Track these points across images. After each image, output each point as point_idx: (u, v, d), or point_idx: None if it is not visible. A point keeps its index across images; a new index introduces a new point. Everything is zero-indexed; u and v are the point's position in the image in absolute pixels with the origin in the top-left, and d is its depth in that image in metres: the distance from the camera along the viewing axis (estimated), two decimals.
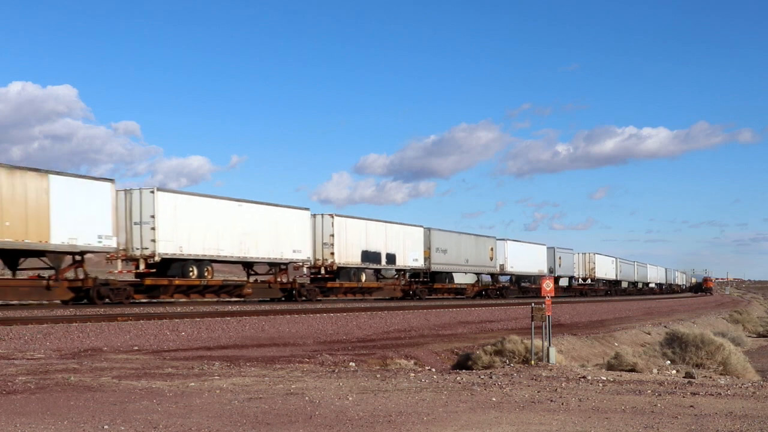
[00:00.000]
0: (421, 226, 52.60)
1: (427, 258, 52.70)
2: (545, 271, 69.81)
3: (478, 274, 61.43)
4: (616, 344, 24.67)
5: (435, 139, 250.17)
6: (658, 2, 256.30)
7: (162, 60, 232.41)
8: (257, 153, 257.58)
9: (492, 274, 62.81)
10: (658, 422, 8.11)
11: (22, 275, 29.66)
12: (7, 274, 29.45)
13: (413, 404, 9.15)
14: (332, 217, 43.60)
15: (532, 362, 14.94)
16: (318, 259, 42.97)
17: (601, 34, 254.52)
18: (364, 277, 46.57)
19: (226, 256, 36.08)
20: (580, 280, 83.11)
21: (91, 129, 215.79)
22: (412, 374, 12.54)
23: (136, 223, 32.53)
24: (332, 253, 43.11)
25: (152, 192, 32.72)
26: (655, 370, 15.74)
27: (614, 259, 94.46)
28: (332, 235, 43.22)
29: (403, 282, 51.50)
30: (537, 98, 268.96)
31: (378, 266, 48.10)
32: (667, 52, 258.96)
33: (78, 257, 29.90)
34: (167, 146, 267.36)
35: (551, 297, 16.26)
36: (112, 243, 30.54)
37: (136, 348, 16.26)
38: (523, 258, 67.04)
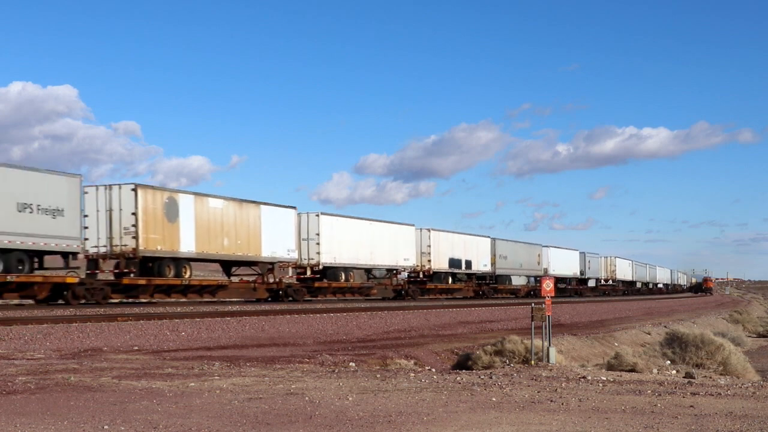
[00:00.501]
0: (488, 237, 63.42)
1: (493, 264, 63.33)
2: (578, 273, 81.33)
3: (528, 276, 71.06)
4: (616, 344, 24.68)
5: (435, 139, 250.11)
6: (658, 2, 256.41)
7: (162, 60, 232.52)
8: (257, 153, 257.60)
9: (538, 277, 70.25)
10: (658, 422, 8.11)
11: (234, 280, 39.02)
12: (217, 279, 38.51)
13: (413, 404, 9.16)
14: (429, 231, 54.92)
15: (532, 362, 14.94)
16: (417, 265, 53.74)
17: (601, 34, 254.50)
18: (451, 280, 58.59)
19: (362, 264, 47.47)
20: (602, 281, 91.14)
21: (91, 129, 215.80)
22: (412, 374, 12.55)
23: (304, 239, 42.73)
24: (429, 261, 54.79)
25: (317, 215, 43.27)
26: (655, 370, 15.75)
27: (631, 262, 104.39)
28: (429, 246, 54.62)
29: (473, 284, 61.12)
30: (537, 98, 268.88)
31: (459, 271, 58.65)
32: (667, 52, 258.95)
33: (270, 266, 40.00)
34: (167, 146, 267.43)
35: (551, 297, 16.27)
36: (295, 255, 41.49)
37: (136, 348, 16.26)
38: (562, 262, 77.18)
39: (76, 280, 29.52)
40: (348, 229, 45.88)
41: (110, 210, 31.94)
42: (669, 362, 17.55)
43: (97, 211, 31.80)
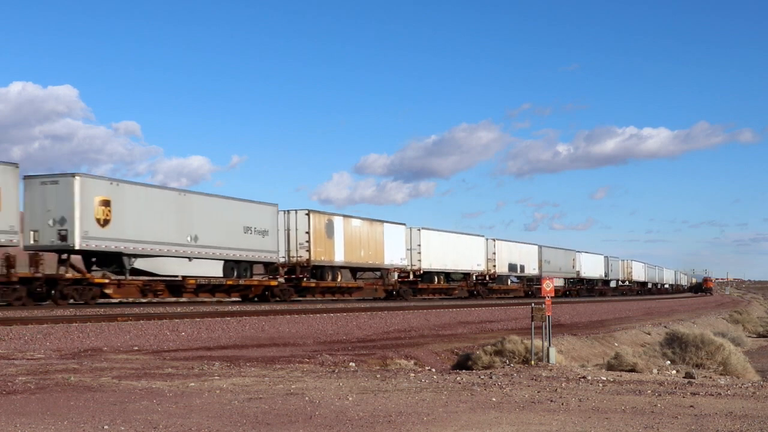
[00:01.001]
0: (536, 245, 74.23)
1: (540, 267, 73.30)
2: (603, 275, 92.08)
3: (565, 278, 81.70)
4: (616, 344, 24.68)
5: (435, 139, 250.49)
6: (659, 2, 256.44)
7: (162, 60, 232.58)
8: (257, 153, 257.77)
9: (572, 279, 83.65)
10: (658, 422, 8.11)
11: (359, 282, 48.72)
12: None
13: (413, 404, 9.15)
14: (494, 241, 64.87)
15: (532, 362, 14.94)
16: (485, 269, 63.03)
17: (601, 34, 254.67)
18: (509, 282, 69.54)
19: (450, 269, 57.64)
20: (620, 282, 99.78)
21: (92, 129, 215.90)
22: (412, 374, 12.54)
23: (408, 249, 52.44)
24: (494, 266, 64.22)
25: (419, 230, 54.13)
26: (655, 370, 15.75)
27: (644, 264, 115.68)
28: (494, 253, 64.21)
29: (525, 286, 71.56)
30: (537, 98, 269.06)
31: (515, 273, 69.77)
32: (668, 52, 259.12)
33: (388, 271, 49.88)
34: (167, 146, 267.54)
35: (551, 297, 16.27)
36: (406, 262, 51.71)
37: (136, 348, 16.26)
38: (591, 265, 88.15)
39: (276, 282, 39.78)
40: (438, 240, 56.49)
41: (288, 230, 41.93)
42: (669, 362, 17.55)
43: (278, 230, 40.67)
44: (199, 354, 15.29)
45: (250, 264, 38.74)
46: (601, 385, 11.34)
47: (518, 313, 34.13)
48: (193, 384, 10.54)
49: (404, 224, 52.48)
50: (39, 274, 28.78)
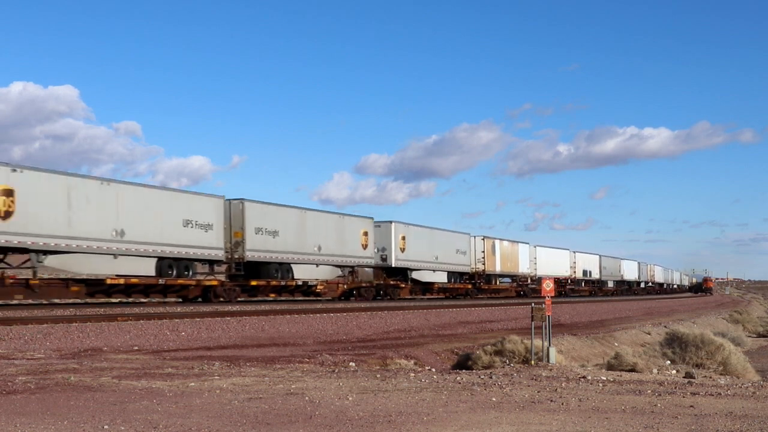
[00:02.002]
0: (597, 254, 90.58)
1: (600, 272, 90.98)
2: (637, 277, 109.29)
3: (614, 281, 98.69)
4: (616, 344, 24.68)
5: (436, 139, 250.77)
6: (659, 2, 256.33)
7: (163, 60, 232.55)
8: (258, 153, 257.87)
9: (618, 281, 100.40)
10: (658, 422, 8.11)
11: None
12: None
13: (413, 404, 9.15)
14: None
15: (532, 362, 14.95)
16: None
17: (601, 34, 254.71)
18: (583, 284, 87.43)
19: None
20: (643, 283, 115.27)
21: (92, 129, 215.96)
22: (412, 374, 12.54)
23: (531, 260, 71.63)
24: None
25: (534, 247, 72.43)
26: (655, 370, 15.75)
27: (662, 268, 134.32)
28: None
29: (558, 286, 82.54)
30: (538, 98, 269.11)
31: (587, 278, 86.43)
32: (668, 52, 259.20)
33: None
34: (168, 146, 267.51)
35: (551, 297, 16.27)
36: (529, 270, 71.03)
37: (136, 348, 16.26)
38: (629, 270, 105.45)
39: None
40: (543, 253, 74.24)
41: (474, 250, 60.94)
42: (669, 362, 17.55)
43: (469, 249, 59.85)
44: (199, 354, 15.29)
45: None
46: (601, 385, 11.34)
47: (518, 313, 34.13)
48: (193, 384, 10.54)
49: (528, 243, 72.00)
50: None
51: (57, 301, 32.60)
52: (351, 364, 14.95)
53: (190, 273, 34.99)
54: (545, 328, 15.41)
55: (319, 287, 42.75)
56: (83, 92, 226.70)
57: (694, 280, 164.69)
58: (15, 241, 27.43)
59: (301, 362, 14.54)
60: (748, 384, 12.38)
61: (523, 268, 69.23)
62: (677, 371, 16.16)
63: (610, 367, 15.69)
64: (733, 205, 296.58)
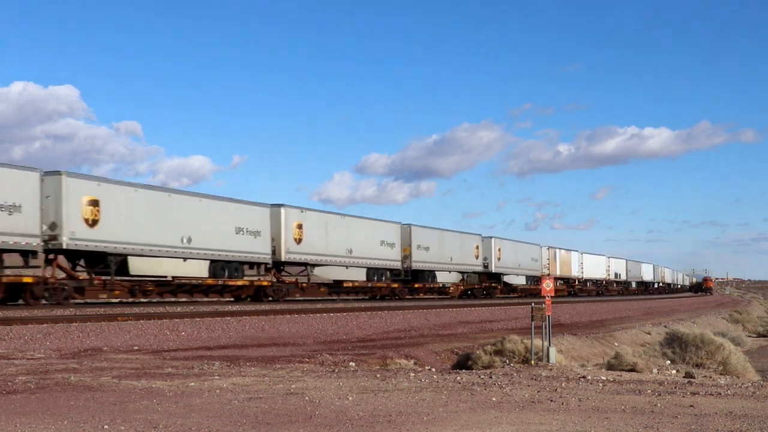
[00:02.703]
0: (603, 255, 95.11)
1: (627, 275, 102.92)
2: (653, 279, 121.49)
3: (636, 282, 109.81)
4: (616, 344, 24.68)
5: (436, 138, 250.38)
6: (660, 2, 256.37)
7: (163, 60, 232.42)
8: (258, 153, 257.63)
9: (639, 281, 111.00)
10: (658, 422, 8.11)
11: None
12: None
13: (413, 404, 9.15)
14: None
15: (532, 362, 14.95)
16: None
17: (602, 34, 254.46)
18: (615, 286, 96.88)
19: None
20: (656, 283, 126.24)
21: (93, 129, 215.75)
22: (412, 374, 12.55)
23: (578, 264, 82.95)
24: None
25: (581, 253, 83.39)
26: (655, 370, 15.75)
27: (671, 270, 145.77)
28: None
29: (597, 287, 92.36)
30: (539, 98, 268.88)
31: (618, 280, 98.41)
32: (669, 52, 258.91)
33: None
34: (169, 146, 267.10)
35: (551, 297, 16.27)
36: (578, 273, 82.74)
37: (136, 348, 16.26)
38: (648, 272, 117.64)
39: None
40: (561, 256, 78.85)
41: (542, 257, 72.57)
42: (669, 362, 17.55)
43: (540, 257, 72.60)
44: (199, 354, 15.29)
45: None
46: (601, 384, 11.34)
47: (518, 313, 34.13)
48: (193, 384, 10.54)
49: (577, 251, 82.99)
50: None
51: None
52: (351, 364, 14.95)
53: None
54: (545, 328, 15.41)
55: (450, 288, 57.25)
56: (84, 92, 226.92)
57: (694, 280, 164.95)
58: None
59: (301, 362, 14.54)
60: (748, 384, 12.38)
61: (574, 271, 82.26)
62: (677, 371, 16.16)
63: (610, 367, 15.69)
64: (734, 204, 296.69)
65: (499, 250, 62.96)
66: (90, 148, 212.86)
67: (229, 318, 24.10)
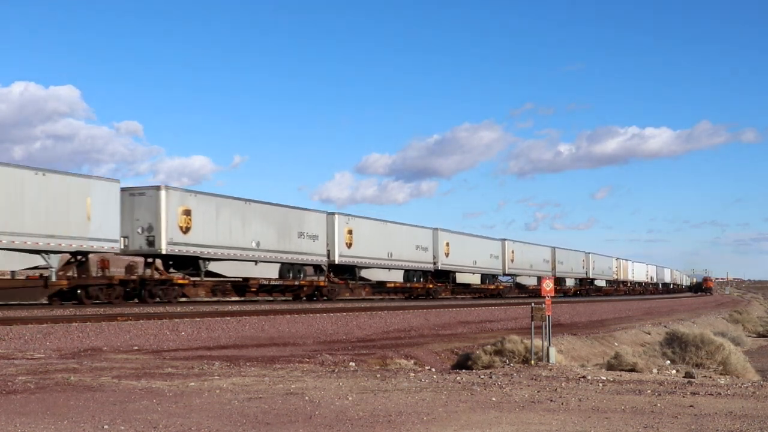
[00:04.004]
0: (654, 265, 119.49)
1: (657, 278, 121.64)
2: (669, 280, 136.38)
3: (661, 283, 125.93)
4: (616, 344, 24.68)
5: (437, 138, 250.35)
6: (661, 2, 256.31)
7: (164, 60, 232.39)
8: (259, 153, 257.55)
9: (656, 284, 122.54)
10: (658, 422, 8.11)
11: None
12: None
13: (413, 404, 9.16)
14: (632, 263, 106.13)
15: (532, 362, 14.95)
16: (630, 279, 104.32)
17: (603, 34, 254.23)
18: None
19: (621, 279, 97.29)
20: (671, 284, 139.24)
21: (94, 129, 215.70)
22: (412, 374, 12.55)
23: (611, 268, 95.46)
24: (634, 275, 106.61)
25: (613, 258, 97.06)
26: (655, 370, 15.75)
27: (681, 272, 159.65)
28: (633, 269, 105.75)
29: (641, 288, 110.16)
30: (540, 98, 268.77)
31: (652, 282, 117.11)
32: (671, 52, 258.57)
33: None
34: (169, 146, 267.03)
35: (551, 297, 16.27)
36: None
37: (136, 348, 16.26)
38: (668, 275, 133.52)
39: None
40: (622, 263, 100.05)
41: (613, 266, 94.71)
42: (669, 362, 17.55)
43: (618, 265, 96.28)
44: (199, 354, 15.29)
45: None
46: (601, 384, 11.34)
47: (518, 313, 34.13)
48: (193, 384, 10.54)
49: (630, 260, 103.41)
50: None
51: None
52: (351, 364, 14.95)
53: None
54: (545, 328, 15.41)
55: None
56: (84, 92, 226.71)
57: (694, 280, 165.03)
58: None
59: (301, 362, 14.54)
60: (748, 384, 12.38)
61: (629, 276, 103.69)
62: (677, 371, 16.15)
63: (610, 367, 15.69)
64: (734, 204, 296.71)
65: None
66: (90, 148, 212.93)
67: (229, 318, 24.09)
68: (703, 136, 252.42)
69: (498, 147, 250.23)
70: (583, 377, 12.32)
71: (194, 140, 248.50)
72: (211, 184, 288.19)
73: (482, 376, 12.18)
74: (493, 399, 9.67)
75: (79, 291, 30.04)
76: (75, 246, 29.16)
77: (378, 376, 12.06)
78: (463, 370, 14.57)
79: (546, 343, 15.31)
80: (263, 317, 25.21)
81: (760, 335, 45.72)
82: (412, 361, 16.75)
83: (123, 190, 32.02)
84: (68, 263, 30.22)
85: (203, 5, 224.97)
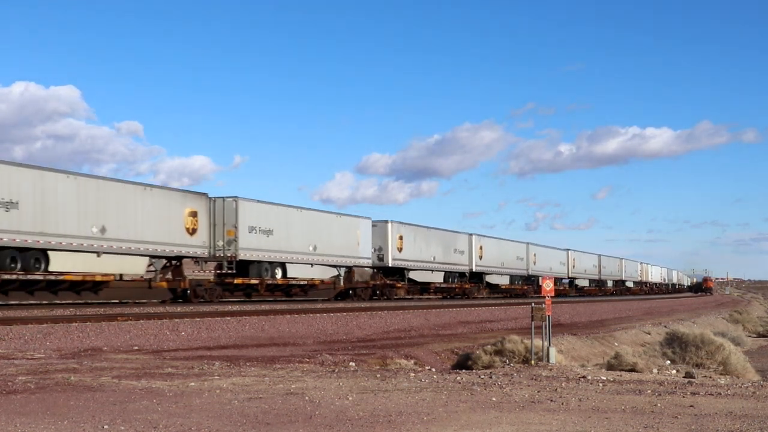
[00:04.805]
0: (665, 267, 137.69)
1: (668, 279, 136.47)
2: (678, 281, 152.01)
3: (671, 283, 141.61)
4: (616, 344, 24.68)
5: (438, 138, 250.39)
6: (662, 2, 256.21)
7: (164, 60, 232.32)
8: (259, 153, 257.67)
9: (668, 285, 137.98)
10: (658, 422, 8.11)
11: None
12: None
13: (413, 404, 9.16)
14: (651, 266, 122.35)
15: (532, 362, 14.95)
16: (649, 280, 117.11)
17: (604, 34, 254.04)
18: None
19: (643, 281, 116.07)
20: (678, 284, 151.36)
21: (94, 129, 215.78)
22: (412, 374, 12.55)
23: (638, 272, 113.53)
24: (652, 277, 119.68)
25: (637, 262, 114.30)
26: (655, 370, 15.74)
27: (681, 272, 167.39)
28: (651, 272, 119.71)
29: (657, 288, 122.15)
30: (540, 98, 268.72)
31: (665, 283, 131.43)
32: (671, 52, 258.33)
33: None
34: (170, 146, 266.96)
35: (551, 297, 16.27)
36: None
37: (136, 348, 16.26)
38: (677, 276, 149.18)
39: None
40: (644, 267, 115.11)
41: (633, 269, 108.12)
42: (669, 362, 17.54)
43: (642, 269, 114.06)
44: (199, 354, 15.29)
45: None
46: (601, 384, 11.34)
47: (518, 313, 34.12)
48: (193, 384, 10.54)
49: (650, 263, 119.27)
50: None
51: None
52: (351, 364, 14.95)
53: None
54: (545, 328, 15.41)
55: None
56: (85, 93, 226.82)
57: (694, 280, 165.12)
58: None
59: (301, 362, 14.54)
60: (748, 384, 12.38)
61: (649, 277, 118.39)
62: (677, 371, 16.15)
63: (610, 367, 15.68)
64: (735, 204, 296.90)
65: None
66: (91, 148, 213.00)
67: (229, 318, 24.09)
68: (704, 136, 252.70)
69: (498, 147, 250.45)
70: (583, 377, 12.32)
71: (195, 140, 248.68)
72: (211, 184, 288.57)
73: (482, 376, 12.18)
74: (494, 399, 9.67)
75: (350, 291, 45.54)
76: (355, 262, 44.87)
77: (378, 376, 12.06)
78: (463, 370, 14.57)
79: (546, 343, 15.31)
80: (263, 317, 25.21)
81: (760, 335, 45.72)
82: (412, 361, 16.75)
83: (373, 224, 46.15)
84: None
85: (203, 5, 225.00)
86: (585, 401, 9.54)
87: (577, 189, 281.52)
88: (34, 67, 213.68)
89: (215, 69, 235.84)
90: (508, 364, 15.50)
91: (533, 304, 15.85)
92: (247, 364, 13.57)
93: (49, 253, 27.96)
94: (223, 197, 37.14)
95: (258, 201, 38.69)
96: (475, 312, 35.48)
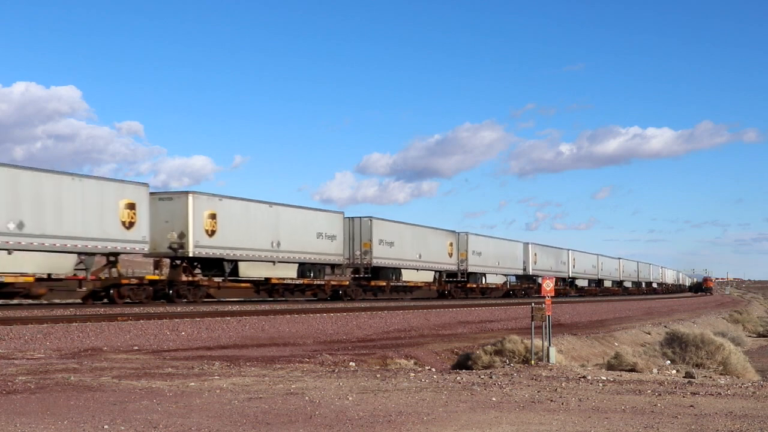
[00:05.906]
0: (675, 270, 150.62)
1: (678, 281, 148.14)
2: (685, 282, 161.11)
3: (679, 285, 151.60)
4: (616, 344, 24.67)
5: (438, 138, 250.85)
6: (663, 2, 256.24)
7: (165, 60, 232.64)
8: (260, 153, 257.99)
9: (675, 285, 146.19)
10: (658, 422, 8.11)
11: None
12: None
13: (413, 404, 9.15)
14: (665, 269, 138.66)
15: (532, 362, 14.94)
16: (663, 281, 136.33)
17: (605, 34, 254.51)
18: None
19: (661, 281, 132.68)
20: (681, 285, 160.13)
21: (95, 129, 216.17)
22: (412, 374, 12.54)
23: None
24: (666, 278, 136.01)
25: (654, 265, 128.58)
26: (655, 370, 15.73)
27: (681, 273, 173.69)
28: (665, 273, 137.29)
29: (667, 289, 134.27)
30: (541, 98, 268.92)
31: (673, 283, 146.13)
32: (672, 52, 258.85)
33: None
34: (170, 146, 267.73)
35: (551, 297, 16.26)
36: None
37: (136, 348, 16.26)
38: (683, 277, 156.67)
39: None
40: (664, 270, 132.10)
41: (649, 271, 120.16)
42: (669, 362, 17.53)
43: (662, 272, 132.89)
44: (199, 354, 15.29)
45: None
46: (601, 384, 11.34)
47: (518, 313, 34.11)
48: (193, 384, 10.54)
49: (665, 266, 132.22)
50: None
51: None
52: (351, 364, 14.95)
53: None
54: (545, 328, 15.40)
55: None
56: (85, 93, 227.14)
57: (695, 280, 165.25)
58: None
59: (301, 362, 14.54)
60: (748, 384, 12.38)
61: (664, 279, 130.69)
62: (677, 371, 16.14)
63: (610, 367, 15.67)
64: (735, 204, 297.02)
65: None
66: (91, 148, 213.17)
67: (229, 318, 24.09)
68: (705, 136, 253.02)
69: (499, 147, 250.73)
70: (583, 377, 12.32)
71: (195, 140, 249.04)
72: (212, 184, 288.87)
73: (482, 376, 12.17)
74: (494, 399, 9.66)
75: None
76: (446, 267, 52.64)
77: (378, 376, 12.05)
78: (463, 370, 14.57)
79: (546, 343, 15.30)
80: (263, 317, 25.21)
81: (760, 335, 45.68)
82: (412, 361, 16.74)
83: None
84: None
85: (203, 5, 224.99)
86: (585, 401, 9.53)
87: (577, 189, 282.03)
88: (35, 67, 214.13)
89: (215, 69, 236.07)
90: (508, 364, 15.49)
91: (533, 304, 15.85)
92: (247, 364, 13.56)
93: None
94: (360, 217, 45.84)
95: (384, 219, 47.34)
96: (475, 312, 35.47)
